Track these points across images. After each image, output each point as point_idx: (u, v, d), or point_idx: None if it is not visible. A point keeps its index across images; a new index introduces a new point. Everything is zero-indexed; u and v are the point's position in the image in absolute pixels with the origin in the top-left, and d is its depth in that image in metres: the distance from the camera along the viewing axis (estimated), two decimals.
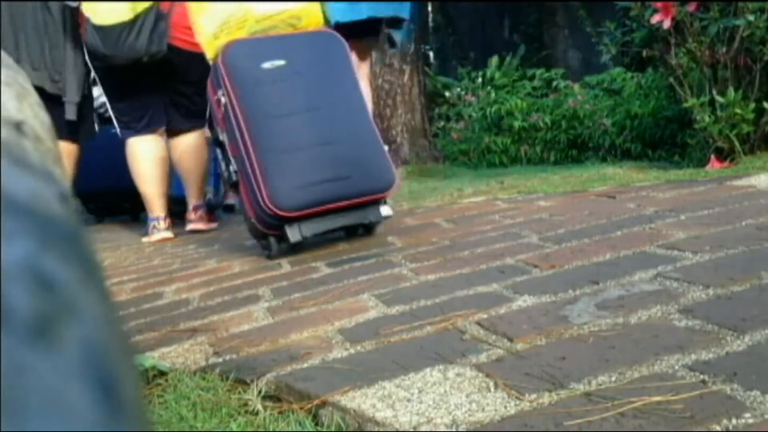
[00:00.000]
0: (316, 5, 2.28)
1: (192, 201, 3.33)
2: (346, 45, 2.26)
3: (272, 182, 2.07)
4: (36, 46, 3.12)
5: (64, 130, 3.15)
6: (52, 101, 3.04)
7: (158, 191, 3.21)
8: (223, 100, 2.15)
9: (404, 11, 2.79)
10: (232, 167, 2.21)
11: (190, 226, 3.35)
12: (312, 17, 2.24)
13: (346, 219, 2.18)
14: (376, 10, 2.67)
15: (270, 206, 2.06)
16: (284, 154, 2.08)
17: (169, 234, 3.26)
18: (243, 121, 2.12)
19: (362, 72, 2.74)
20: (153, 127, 3.20)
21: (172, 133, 3.28)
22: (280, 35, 2.19)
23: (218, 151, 2.33)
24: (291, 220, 2.10)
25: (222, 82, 2.14)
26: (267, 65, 2.12)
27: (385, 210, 2.25)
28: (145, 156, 3.18)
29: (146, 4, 2.80)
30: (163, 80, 3.08)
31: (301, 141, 2.10)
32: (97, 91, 3.42)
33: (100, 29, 2.80)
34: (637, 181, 2.75)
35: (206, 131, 3.27)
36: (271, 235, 2.19)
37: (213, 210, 3.74)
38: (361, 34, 2.72)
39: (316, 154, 2.10)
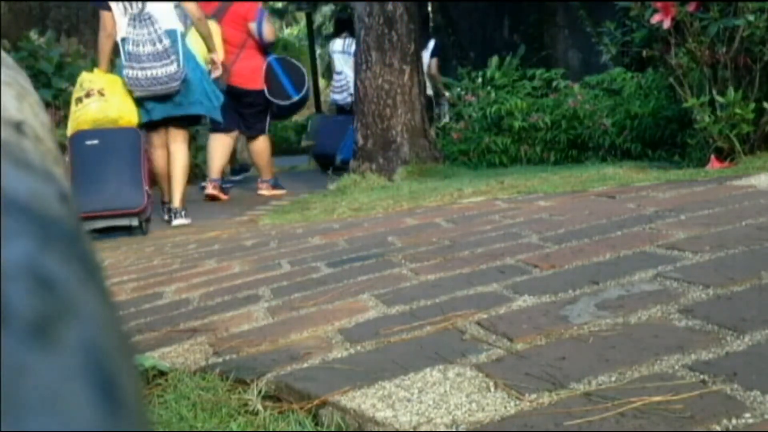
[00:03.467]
0: (130, 112, 4.04)
1: (263, 176, 5.48)
2: (138, 133, 4.02)
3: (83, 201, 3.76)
4: None
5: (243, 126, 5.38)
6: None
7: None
8: (67, 159, 3.91)
9: (193, 110, 4.18)
10: None
11: (260, 192, 5.42)
12: (125, 119, 4.02)
13: (111, 222, 3.85)
14: (168, 112, 4.14)
15: None
16: (82, 185, 3.77)
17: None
18: (72, 168, 3.87)
19: (179, 143, 4.30)
20: (227, 130, 5.19)
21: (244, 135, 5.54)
22: (102, 128, 3.96)
23: None
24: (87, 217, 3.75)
25: (67, 149, 3.96)
26: (88, 143, 3.91)
27: (178, 221, 4.21)
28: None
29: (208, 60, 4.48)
30: (233, 105, 4.99)
31: (92, 178, 3.84)
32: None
33: None
34: (637, 181, 2.75)
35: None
36: None
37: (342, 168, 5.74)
38: (179, 123, 4.27)
39: (99, 186, 3.82)
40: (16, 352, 0.16)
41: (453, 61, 9.27)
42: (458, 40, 9.39)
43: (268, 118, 5.34)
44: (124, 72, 3.99)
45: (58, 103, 6.35)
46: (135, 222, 3.86)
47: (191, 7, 4.18)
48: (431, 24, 9.65)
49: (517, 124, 5.07)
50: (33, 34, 7.64)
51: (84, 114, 3.97)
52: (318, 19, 18.81)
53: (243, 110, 5.17)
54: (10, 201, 0.20)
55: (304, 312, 1.51)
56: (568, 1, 7.60)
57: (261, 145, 5.31)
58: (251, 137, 5.38)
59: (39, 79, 6.55)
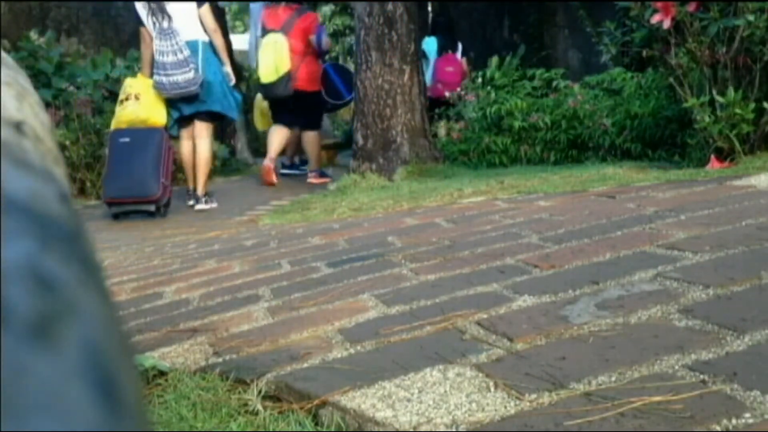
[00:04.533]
0: (158, 114, 4.84)
1: (311, 166, 6.14)
2: (162, 132, 4.81)
3: (105, 187, 4.78)
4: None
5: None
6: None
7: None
8: (106, 152, 4.98)
9: (213, 107, 4.96)
10: None
11: (309, 180, 6.00)
12: (152, 120, 4.81)
13: (132, 207, 4.70)
14: (195, 108, 4.92)
15: (103, 198, 4.84)
16: (113, 175, 4.71)
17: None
18: (107, 161, 4.85)
19: (203, 137, 5.04)
20: (292, 127, 5.95)
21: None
22: (132, 128, 4.77)
23: None
24: (110, 204, 4.73)
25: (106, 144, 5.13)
26: (121, 140, 4.74)
27: (198, 206, 5.01)
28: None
29: (282, 73, 5.52)
30: (294, 105, 5.74)
31: (120, 170, 4.67)
32: None
33: (262, 85, 5.73)
34: (637, 181, 2.75)
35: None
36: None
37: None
38: (204, 118, 5.05)
39: (125, 177, 4.64)
40: (16, 352, 0.16)
41: None
42: (458, 40, 9.38)
43: (321, 115, 6.33)
44: (153, 77, 4.76)
45: (58, 103, 6.35)
46: (152, 208, 4.71)
47: (207, 21, 4.84)
48: (431, 24, 9.65)
49: (517, 124, 5.07)
50: (33, 34, 7.64)
51: (122, 115, 4.83)
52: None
53: (303, 109, 5.87)
54: (10, 201, 0.20)
55: (304, 312, 1.51)
56: (568, 1, 7.60)
57: (314, 137, 6.03)
58: (306, 131, 6.04)
59: (39, 79, 6.55)
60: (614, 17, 4.11)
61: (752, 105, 2.94)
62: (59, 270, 0.19)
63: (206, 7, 4.81)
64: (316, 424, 0.98)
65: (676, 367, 0.93)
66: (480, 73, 6.60)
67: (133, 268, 2.59)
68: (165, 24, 4.71)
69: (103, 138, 6.16)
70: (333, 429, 0.95)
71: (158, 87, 4.71)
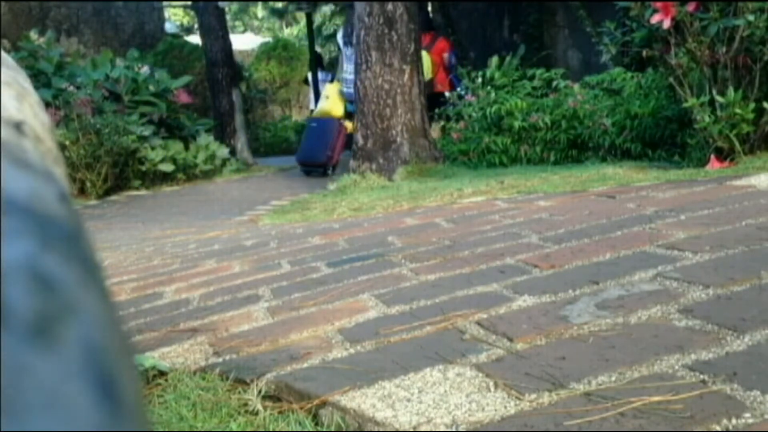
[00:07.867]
0: (336, 109, 7.33)
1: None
2: (337, 122, 7.19)
3: (297, 153, 7.59)
4: None
5: None
6: None
7: None
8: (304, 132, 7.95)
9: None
10: None
11: None
12: (333, 113, 7.27)
13: (310, 168, 7.18)
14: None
15: (296, 160, 7.63)
16: (302, 147, 7.37)
17: None
18: (302, 137, 7.69)
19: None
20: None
21: None
22: (321, 117, 7.36)
23: None
24: (300, 164, 7.33)
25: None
26: (312, 124, 7.37)
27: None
28: None
29: (426, 78, 6.46)
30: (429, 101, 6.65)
31: (306, 144, 7.23)
32: None
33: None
34: (637, 181, 2.75)
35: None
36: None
37: None
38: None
39: (307, 148, 7.23)
40: (16, 352, 0.16)
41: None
42: (458, 40, 9.38)
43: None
44: (342, 86, 7.17)
45: (58, 103, 6.35)
46: (321, 170, 6.93)
47: None
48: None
49: (517, 124, 5.07)
50: (33, 34, 7.64)
51: (318, 108, 7.38)
52: (318, 19, 18.79)
53: (434, 104, 7.23)
54: (10, 201, 0.20)
55: (304, 312, 1.51)
56: (568, 1, 7.61)
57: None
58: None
59: (39, 79, 6.55)
60: (614, 17, 4.11)
61: (752, 105, 2.94)
62: (59, 270, 0.19)
63: None
64: (316, 424, 0.98)
65: (676, 367, 0.93)
66: (480, 73, 6.59)
67: (133, 268, 2.59)
68: (349, 53, 6.94)
69: (102, 138, 6.17)
70: (333, 429, 0.95)
71: (341, 92, 7.17)
